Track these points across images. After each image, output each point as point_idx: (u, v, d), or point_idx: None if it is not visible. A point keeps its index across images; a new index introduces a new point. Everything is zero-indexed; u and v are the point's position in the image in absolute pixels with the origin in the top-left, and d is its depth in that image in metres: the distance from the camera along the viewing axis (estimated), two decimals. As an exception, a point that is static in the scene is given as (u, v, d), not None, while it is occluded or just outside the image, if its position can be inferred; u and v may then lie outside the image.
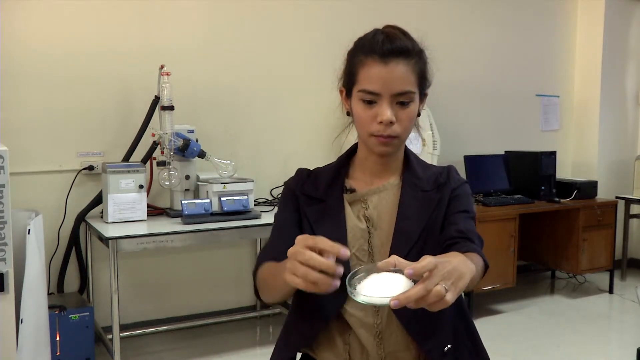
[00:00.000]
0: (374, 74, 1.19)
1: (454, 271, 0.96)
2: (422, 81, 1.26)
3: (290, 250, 0.99)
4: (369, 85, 1.20)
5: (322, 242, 0.97)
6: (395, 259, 0.97)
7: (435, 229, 1.26)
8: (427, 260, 0.93)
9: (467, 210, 1.29)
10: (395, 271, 0.97)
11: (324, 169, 1.38)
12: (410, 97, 1.22)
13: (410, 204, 1.28)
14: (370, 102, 1.21)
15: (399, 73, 1.19)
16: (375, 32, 1.24)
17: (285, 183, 1.41)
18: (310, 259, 0.95)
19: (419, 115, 1.30)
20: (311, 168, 1.42)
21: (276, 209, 1.41)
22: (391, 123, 1.20)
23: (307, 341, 1.31)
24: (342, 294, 1.22)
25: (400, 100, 1.21)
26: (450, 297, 0.92)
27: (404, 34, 1.24)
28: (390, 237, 1.26)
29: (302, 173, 1.39)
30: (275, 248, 1.28)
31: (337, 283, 0.96)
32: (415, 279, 0.94)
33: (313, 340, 1.30)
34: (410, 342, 1.25)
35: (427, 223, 1.26)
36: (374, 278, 0.99)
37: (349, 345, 1.27)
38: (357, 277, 1.01)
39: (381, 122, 1.20)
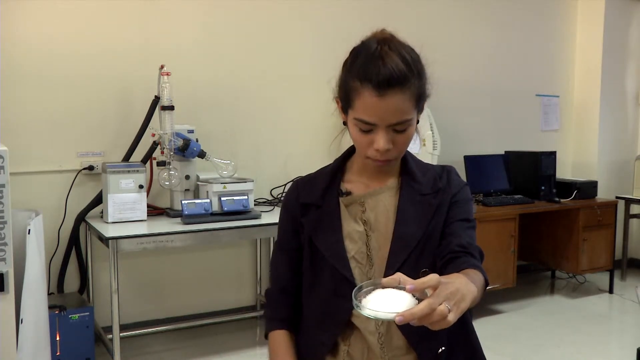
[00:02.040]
0: (369, 106, 1.15)
1: (456, 292, 0.97)
2: (420, 101, 1.22)
3: None
4: (364, 115, 1.17)
5: None
6: (399, 276, 0.99)
7: (435, 235, 1.25)
8: (429, 277, 0.95)
9: (467, 219, 1.27)
10: (400, 288, 0.99)
11: (319, 172, 1.37)
12: (407, 124, 1.19)
13: (409, 208, 1.26)
14: (366, 130, 1.19)
15: (395, 105, 1.15)
16: (372, 52, 1.17)
17: (283, 202, 1.40)
18: None
19: (417, 122, 1.29)
20: (311, 168, 1.42)
21: (276, 209, 1.42)
22: (387, 150, 1.19)
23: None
24: (346, 309, 1.23)
25: (398, 128, 1.18)
26: (452, 318, 0.93)
27: (400, 52, 1.17)
28: (388, 240, 1.25)
29: (297, 186, 1.38)
30: (282, 279, 1.38)
31: None
32: (415, 294, 0.96)
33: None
34: (410, 346, 1.25)
35: (426, 229, 1.24)
36: (379, 293, 1.01)
37: (349, 346, 1.27)
38: (362, 291, 1.04)
39: (377, 150, 1.19)
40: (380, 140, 1.17)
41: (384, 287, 1.01)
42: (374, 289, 1.03)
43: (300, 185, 1.37)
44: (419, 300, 0.95)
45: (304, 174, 1.42)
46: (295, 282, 1.37)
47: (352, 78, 1.19)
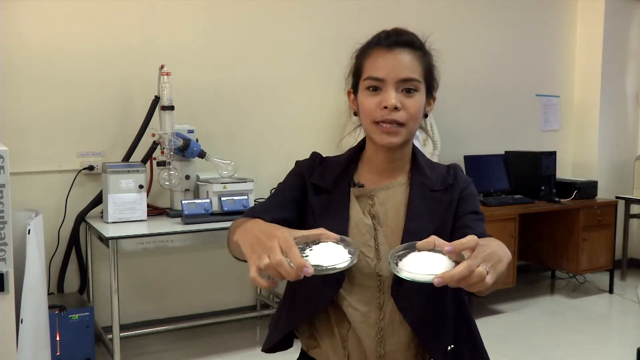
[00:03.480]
0: (379, 62, 1.21)
1: (493, 254, 0.98)
2: (429, 77, 1.25)
3: (266, 243, 0.96)
4: (374, 72, 1.22)
5: (294, 255, 0.93)
6: (434, 239, 0.99)
7: (446, 231, 1.26)
8: (468, 238, 0.95)
9: (476, 212, 1.29)
10: (436, 251, 0.99)
11: (334, 160, 1.37)
12: (415, 85, 1.21)
13: (420, 203, 1.27)
14: (375, 89, 1.22)
15: (404, 60, 1.21)
16: (383, 30, 1.27)
17: (297, 162, 1.39)
18: (278, 263, 0.92)
19: (426, 116, 1.29)
20: None
21: None
22: (396, 109, 1.20)
23: (297, 319, 1.31)
24: (333, 285, 1.22)
25: (406, 87, 1.21)
26: (489, 279, 0.94)
27: (411, 32, 1.26)
28: (398, 235, 1.25)
29: (315, 159, 1.37)
30: (261, 211, 1.25)
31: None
32: (453, 257, 0.97)
33: (303, 319, 1.30)
34: (411, 341, 1.24)
35: (437, 225, 1.25)
36: (415, 256, 1.01)
37: (347, 341, 1.26)
38: (398, 254, 1.03)
39: (386, 108, 1.20)
40: (389, 95, 1.19)
41: (419, 251, 1.00)
42: (409, 252, 1.02)
43: (317, 164, 1.35)
44: (456, 263, 0.95)
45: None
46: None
47: (363, 50, 1.26)
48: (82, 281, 3.36)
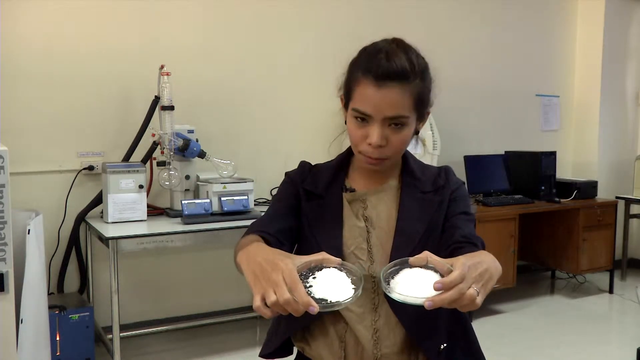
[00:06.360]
0: (367, 95, 1.17)
1: (485, 273, 0.99)
2: (420, 104, 1.22)
3: (271, 276, 0.98)
4: (361, 105, 1.19)
5: (299, 293, 0.94)
6: (427, 254, 0.99)
7: (436, 231, 1.27)
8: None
9: (467, 212, 1.30)
10: (428, 268, 0.99)
11: (324, 165, 1.39)
12: (402, 121, 1.19)
13: (411, 205, 1.28)
14: (362, 120, 1.20)
15: (392, 98, 1.16)
16: (379, 48, 1.20)
17: (286, 173, 1.40)
18: (286, 302, 0.94)
19: (417, 133, 1.29)
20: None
21: None
22: (380, 146, 1.19)
23: (295, 328, 1.31)
24: None
25: (393, 123, 1.19)
26: (480, 300, 0.95)
27: (407, 52, 1.20)
28: (390, 237, 1.26)
29: (304, 167, 1.39)
30: (264, 224, 1.27)
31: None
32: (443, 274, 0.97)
33: (300, 328, 1.31)
34: (405, 343, 1.25)
35: (428, 225, 1.26)
36: (406, 274, 1.00)
37: (345, 342, 1.26)
38: (389, 270, 1.02)
39: (370, 144, 1.19)
40: (374, 134, 1.18)
41: (411, 267, 1.00)
42: (401, 269, 1.02)
43: (307, 172, 1.37)
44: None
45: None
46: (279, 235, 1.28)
47: (356, 70, 1.21)
48: (82, 281, 3.36)
